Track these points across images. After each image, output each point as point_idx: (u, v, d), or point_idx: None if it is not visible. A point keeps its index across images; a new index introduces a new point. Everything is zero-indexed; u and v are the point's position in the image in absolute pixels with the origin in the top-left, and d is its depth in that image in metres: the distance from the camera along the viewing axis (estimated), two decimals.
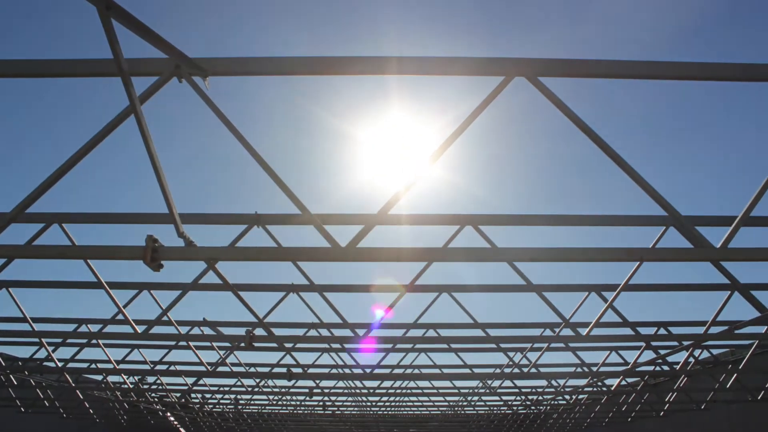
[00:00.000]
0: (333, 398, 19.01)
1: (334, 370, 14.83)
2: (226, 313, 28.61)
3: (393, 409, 21.63)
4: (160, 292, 9.71)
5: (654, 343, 11.41)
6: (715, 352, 14.49)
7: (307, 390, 18.01)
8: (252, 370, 15.16)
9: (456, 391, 17.34)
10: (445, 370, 14.79)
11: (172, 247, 4.05)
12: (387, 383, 17.16)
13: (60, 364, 12.45)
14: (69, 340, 12.11)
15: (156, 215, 7.18)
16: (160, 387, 16.79)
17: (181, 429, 24.72)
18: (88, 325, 10.90)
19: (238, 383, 16.77)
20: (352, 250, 4.02)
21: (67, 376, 17.48)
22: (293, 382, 17.71)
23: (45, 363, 13.72)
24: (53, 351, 12.34)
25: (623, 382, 18.26)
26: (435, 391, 18.12)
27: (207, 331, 11.94)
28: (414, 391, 18.43)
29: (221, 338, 11.03)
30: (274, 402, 18.57)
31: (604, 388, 16.69)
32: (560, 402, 19.43)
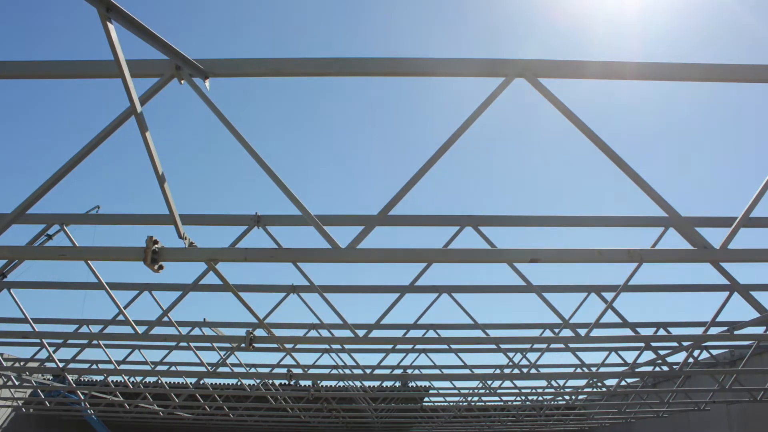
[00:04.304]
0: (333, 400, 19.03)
1: (334, 371, 14.82)
2: (227, 314, 28.51)
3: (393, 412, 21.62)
4: (161, 293, 9.72)
5: (654, 344, 11.41)
6: (714, 352, 14.48)
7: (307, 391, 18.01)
8: (252, 370, 15.16)
9: (456, 391, 17.35)
10: (445, 371, 14.79)
11: (173, 248, 4.05)
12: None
13: (61, 365, 12.44)
14: (70, 341, 12.11)
15: (156, 216, 7.18)
16: (161, 387, 16.78)
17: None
18: (89, 326, 10.90)
19: (239, 384, 16.78)
20: (352, 250, 4.03)
21: (68, 376, 17.51)
22: (293, 382, 17.72)
23: (46, 363, 13.73)
24: (54, 352, 12.34)
25: (623, 383, 18.26)
26: (435, 391, 18.14)
27: (207, 331, 11.94)
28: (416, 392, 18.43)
29: (222, 339, 11.04)
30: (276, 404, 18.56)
31: (604, 389, 16.69)
32: (560, 402, 19.43)
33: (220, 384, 22.45)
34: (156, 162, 3.89)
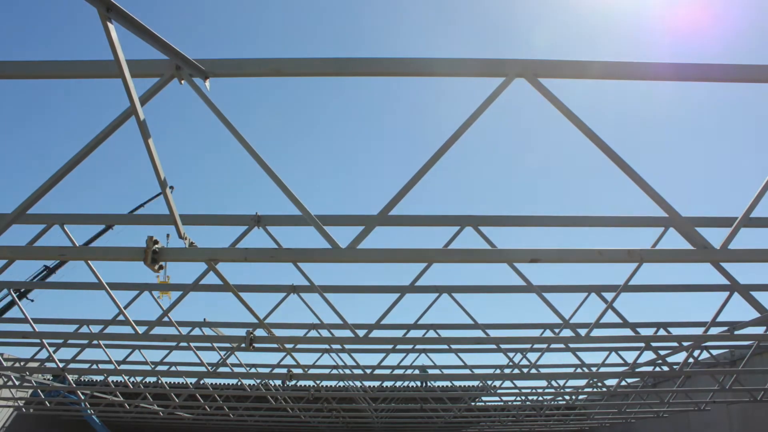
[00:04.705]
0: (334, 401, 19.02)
1: (334, 371, 14.82)
2: (227, 314, 28.55)
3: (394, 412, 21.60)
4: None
5: (654, 344, 11.40)
6: (714, 352, 14.47)
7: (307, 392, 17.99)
8: (252, 370, 15.16)
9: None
10: (446, 371, 14.77)
11: (173, 247, 4.05)
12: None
13: (61, 365, 12.44)
14: (70, 341, 12.11)
15: (156, 216, 7.18)
16: (161, 387, 16.78)
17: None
18: (89, 326, 10.90)
19: (239, 384, 16.77)
20: (352, 250, 4.03)
21: (68, 376, 17.50)
22: (293, 382, 17.72)
23: (46, 363, 13.72)
24: (54, 352, 12.34)
25: (623, 383, 18.25)
26: (435, 391, 18.10)
27: (208, 331, 11.94)
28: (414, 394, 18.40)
29: (222, 339, 11.04)
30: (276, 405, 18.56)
31: (604, 389, 16.69)
32: (560, 402, 19.42)
33: (220, 384, 22.44)
34: (156, 162, 3.89)
